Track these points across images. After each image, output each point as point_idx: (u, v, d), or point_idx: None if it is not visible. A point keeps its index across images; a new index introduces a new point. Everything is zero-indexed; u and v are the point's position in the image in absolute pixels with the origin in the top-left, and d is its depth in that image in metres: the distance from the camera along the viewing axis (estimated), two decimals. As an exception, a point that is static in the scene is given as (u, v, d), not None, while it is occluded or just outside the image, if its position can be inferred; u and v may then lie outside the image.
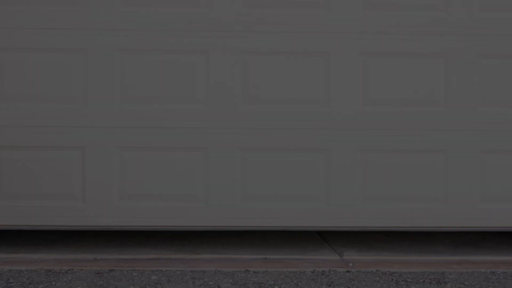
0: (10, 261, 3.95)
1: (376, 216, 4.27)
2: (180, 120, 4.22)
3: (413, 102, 4.29)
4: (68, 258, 4.04)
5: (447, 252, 4.36)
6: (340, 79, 4.27)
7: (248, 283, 3.53)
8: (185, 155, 4.24)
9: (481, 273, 3.82)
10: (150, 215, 4.21)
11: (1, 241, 4.44)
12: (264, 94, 4.26)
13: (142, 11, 4.21)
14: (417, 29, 4.29)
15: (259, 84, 4.25)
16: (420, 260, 4.14)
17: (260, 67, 4.26)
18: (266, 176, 4.25)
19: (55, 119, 4.18)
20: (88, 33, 4.20)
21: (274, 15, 4.25)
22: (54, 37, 4.18)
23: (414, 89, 4.29)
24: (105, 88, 4.20)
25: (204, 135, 4.23)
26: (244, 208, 4.24)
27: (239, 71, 4.25)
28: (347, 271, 3.82)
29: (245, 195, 4.25)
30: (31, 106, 4.18)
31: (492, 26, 4.32)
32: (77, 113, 4.19)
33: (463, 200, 4.29)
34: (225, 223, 4.24)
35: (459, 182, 4.29)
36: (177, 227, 4.28)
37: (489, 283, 3.64)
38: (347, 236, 4.73)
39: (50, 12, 4.18)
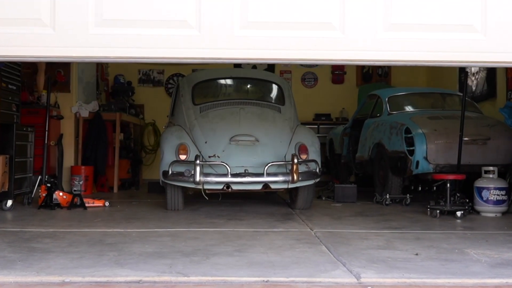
0: (-41, 285, 3.49)
1: (401, 48, 3.82)
2: None
3: None
4: (30, 281, 3.54)
5: (485, 273, 3.84)
6: None
7: (246, 312, 3.15)
8: None
9: (526, 300, 3.38)
10: (132, 45, 3.77)
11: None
12: None
13: None
14: None
15: None
16: (452, 283, 3.60)
17: None
18: None
19: None
20: None
21: None
22: None
23: None
24: None
25: None
26: (242, 37, 3.79)
27: None
28: (366, 297, 3.38)
29: (244, 21, 3.79)
30: None
31: None
32: None
33: (505, 29, 3.82)
34: (220, 54, 3.80)
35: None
36: (163, 59, 3.84)
37: (536, 313, 3.20)
38: (365, 254, 4.29)
39: None
